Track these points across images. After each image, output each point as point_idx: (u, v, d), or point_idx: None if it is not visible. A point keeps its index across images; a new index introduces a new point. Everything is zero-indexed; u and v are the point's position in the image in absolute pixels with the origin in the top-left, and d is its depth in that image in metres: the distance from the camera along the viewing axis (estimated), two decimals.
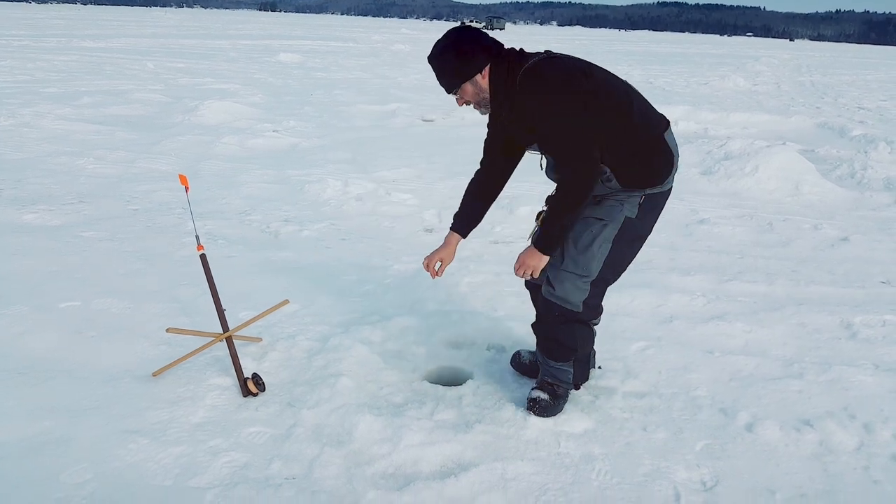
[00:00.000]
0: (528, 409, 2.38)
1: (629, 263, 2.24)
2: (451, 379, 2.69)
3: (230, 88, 11.74)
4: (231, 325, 2.68)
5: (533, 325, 2.41)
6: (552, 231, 2.12)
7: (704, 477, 2.11)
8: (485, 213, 2.42)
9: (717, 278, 3.83)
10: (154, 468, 2.07)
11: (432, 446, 2.19)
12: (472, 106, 2.20)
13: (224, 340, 2.61)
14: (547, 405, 2.36)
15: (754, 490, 2.06)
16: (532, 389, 2.43)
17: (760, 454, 2.24)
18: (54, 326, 2.95)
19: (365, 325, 3.04)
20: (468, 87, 2.11)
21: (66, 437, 2.18)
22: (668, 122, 2.16)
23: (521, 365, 2.67)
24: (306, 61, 18.97)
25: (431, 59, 2.12)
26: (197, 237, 2.87)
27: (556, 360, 2.33)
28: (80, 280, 3.46)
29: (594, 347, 2.61)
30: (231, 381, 2.56)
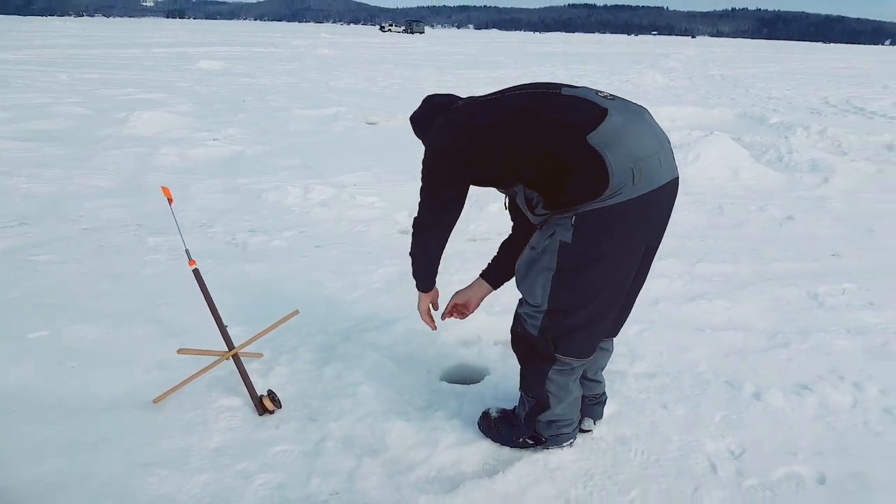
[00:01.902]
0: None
1: (596, 296, 1.87)
2: (469, 377, 2.69)
3: (156, 98, 11.26)
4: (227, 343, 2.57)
5: None
6: (414, 275, 2.18)
7: (731, 446, 2.21)
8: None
9: (687, 261, 4.01)
10: (184, 499, 1.95)
11: (469, 445, 2.18)
12: None
13: (230, 359, 2.51)
14: (491, 424, 2.25)
15: (777, 453, 2.17)
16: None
17: (773, 420, 2.37)
18: (28, 359, 2.72)
19: (366, 331, 2.99)
20: None
21: (79, 475, 2.03)
22: (598, 118, 1.73)
23: None
24: (230, 68, 18.46)
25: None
26: (187, 251, 2.74)
27: (521, 386, 2.16)
28: (43, 307, 3.22)
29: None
30: (240, 400, 2.46)
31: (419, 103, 2.13)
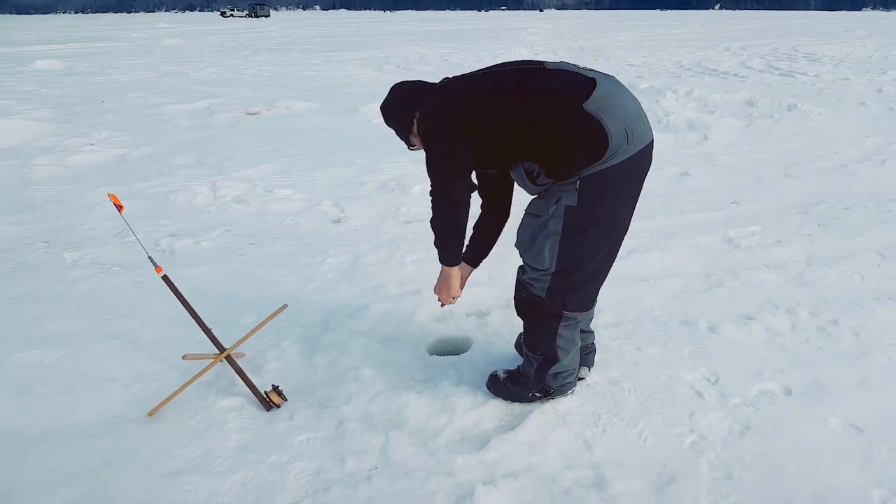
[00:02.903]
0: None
1: (599, 252, 2.06)
2: (456, 348, 2.80)
3: (1, 105, 10.08)
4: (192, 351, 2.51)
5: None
6: (437, 245, 2.22)
7: (706, 375, 2.52)
8: (490, 247, 2.43)
9: None
10: (227, 500, 1.93)
11: (483, 406, 2.32)
12: None
13: (223, 361, 2.45)
14: (500, 384, 2.38)
15: (747, 374, 2.51)
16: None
17: (731, 348, 2.71)
18: None
19: (343, 318, 3.01)
20: (415, 140, 2.18)
21: (104, 498, 1.94)
22: (589, 87, 1.89)
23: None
24: (73, 66, 16.82)
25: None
26: (151, 259, 2.60)
27: (527, 346, 2.30)
28: None
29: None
30: (241, 399, 2.42)
31: (387, 92, 2.20)
